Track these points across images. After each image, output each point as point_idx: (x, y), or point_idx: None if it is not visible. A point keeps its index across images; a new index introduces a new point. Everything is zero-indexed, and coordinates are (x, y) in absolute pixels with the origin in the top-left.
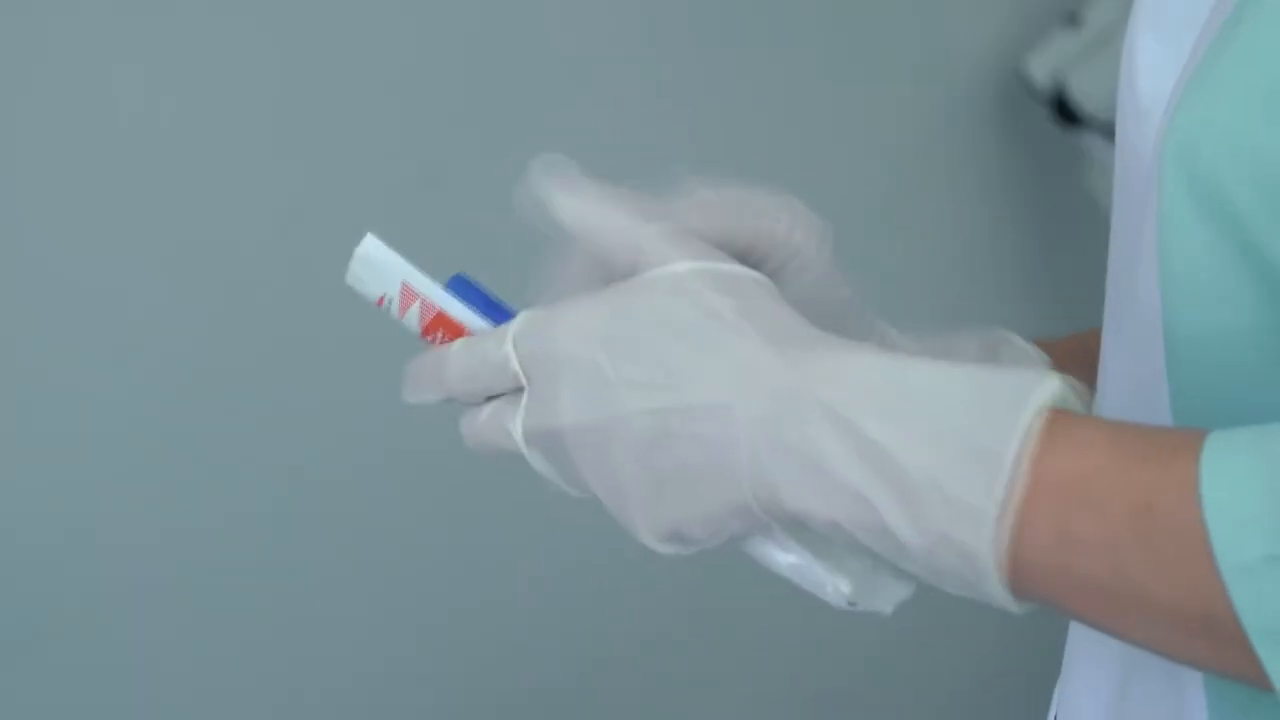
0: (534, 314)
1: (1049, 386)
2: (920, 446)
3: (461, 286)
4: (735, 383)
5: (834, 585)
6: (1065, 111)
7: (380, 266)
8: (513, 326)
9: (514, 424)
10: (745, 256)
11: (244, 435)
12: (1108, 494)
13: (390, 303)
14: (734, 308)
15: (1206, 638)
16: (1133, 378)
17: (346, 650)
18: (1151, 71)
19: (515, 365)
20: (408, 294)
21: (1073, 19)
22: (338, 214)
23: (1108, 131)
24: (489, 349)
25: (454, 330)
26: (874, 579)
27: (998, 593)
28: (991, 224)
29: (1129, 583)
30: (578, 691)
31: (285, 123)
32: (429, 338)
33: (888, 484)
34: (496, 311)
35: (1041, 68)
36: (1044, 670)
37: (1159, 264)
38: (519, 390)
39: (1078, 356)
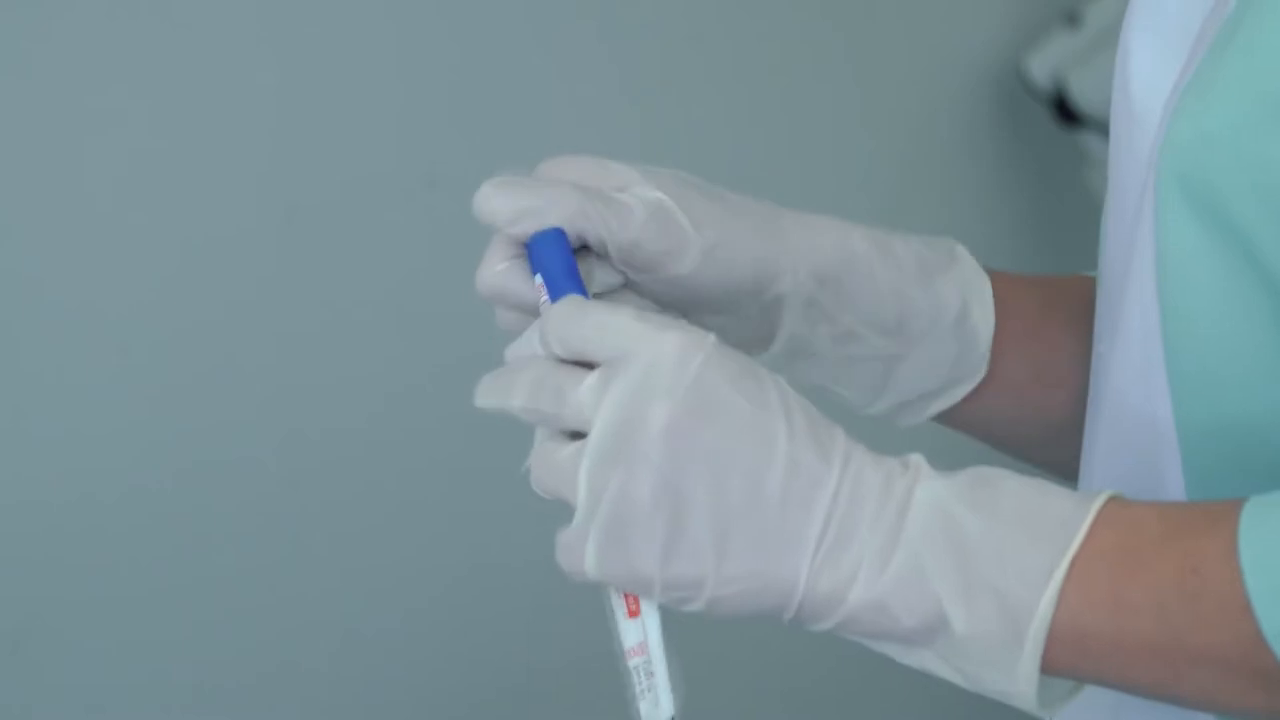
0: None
1: (1095, 506)
2: (958, 560)
3: (542, 247)
4: (785, 467)
5: (662, 697)
6: (1065, 111)
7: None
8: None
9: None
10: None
11: (244, 434)
12: (1157, 559)
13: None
14: (777, 396)
15: (1261, 690)
16: (1130, 389)
17: (347, 651)
18: (1146, 77)
19: (579, 411)
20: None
21: (1073, 19)
22: (338, 213)
23: (1107, 131)
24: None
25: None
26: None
27: (1025, 700)
28: (991, 224)
29: (1180, 642)
30: (577, 688)
31: (285, 122)
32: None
33: (923, 591)
34: (566, 284)
35: (1041, 68)
36: None
37: (1156, 273)
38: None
39: (1029, 297)
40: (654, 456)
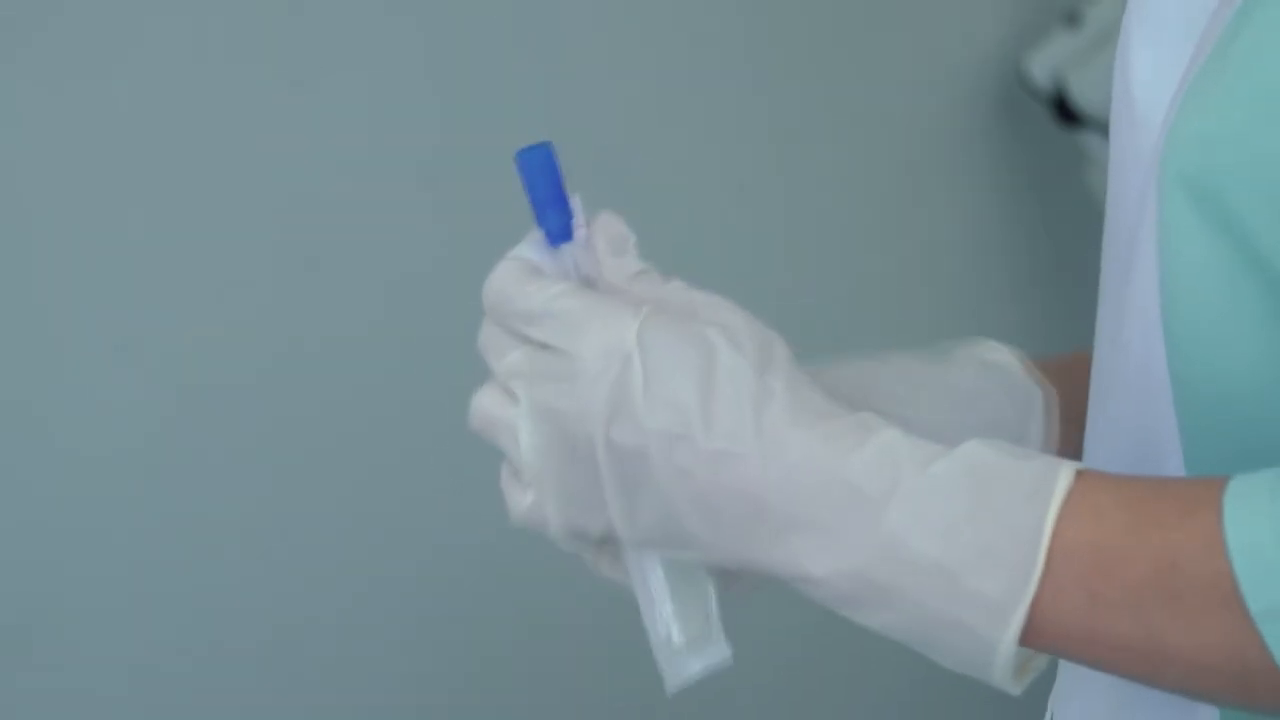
0: (574, 290)
1: (1067, 476)
2: (937, 534)
3: (531, 160)
4: (764, 440)
5: (669, 628)
6: (1065, 111)
7: None
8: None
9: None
10: None
11: (247, 434)
12: (1130, 556)
13: None
14: (766, 364)
15: (1242, 685)
16: (1132, 386)
17: (348, 651)
18: (1147, 79)
19: (542, 332)
20: None
21: (1073, 19)
22: (337, 215)
23: (1107, 131)
24: (528, 289)
25: None
26: (704, 639)
27: (1001, 680)
28: (992, 224)
29: (1159, 641)
30: (581, 688)
31: (286, 124)
32: None
33: (901, 564)
34: (552, 211)
35: (1041, 68)
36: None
37: (1160, 275)
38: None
39: (1064, 378)
40: (589, 457)
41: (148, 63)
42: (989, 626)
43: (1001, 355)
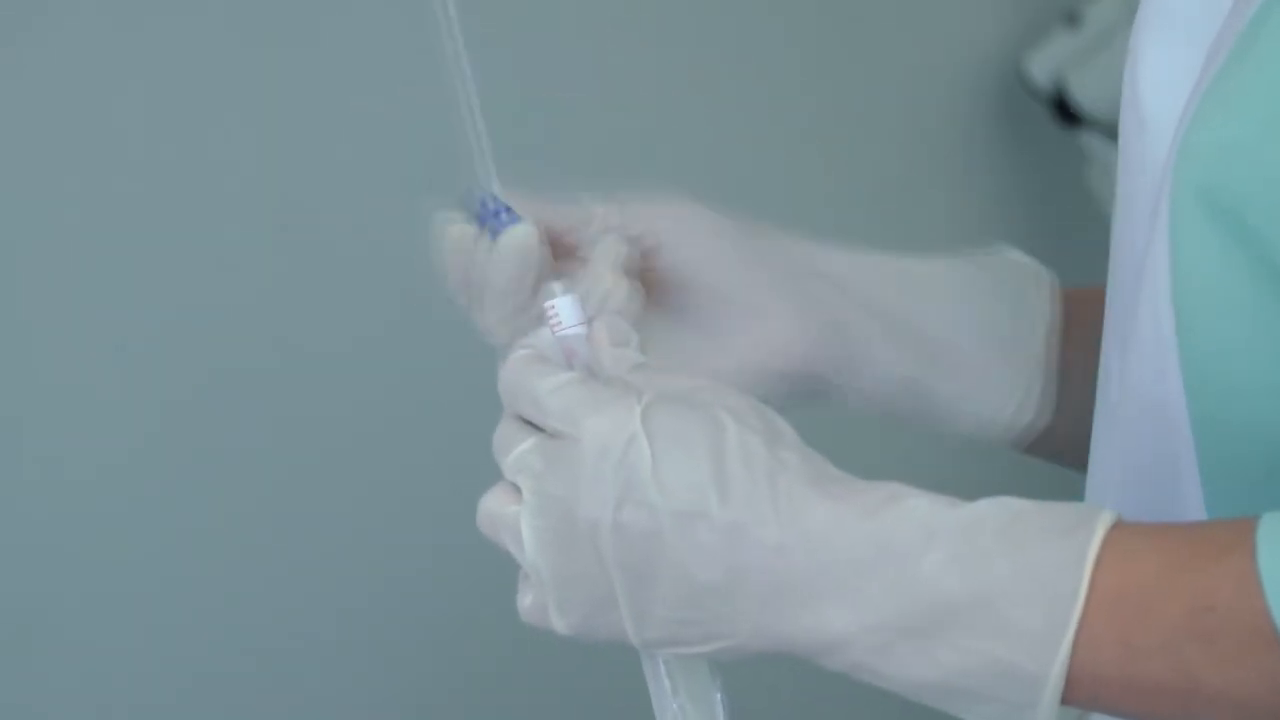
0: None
1: (1107, 516)
2: (974, 570)
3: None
4: (781, 507)
5: (683, 711)
6: (1065, 111)
7: None
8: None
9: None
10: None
11: (245, 432)
12: (1163, 599)
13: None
14: (776, 440)
15: None
16: (1144, 398)
17: (347, 651)
18: (1158, 84)
19: (550, 422)
20: None
21: (1073, 19)
22: (335, 218)
23: (1108, 131)
24: (538, 374)
25: None
26: None
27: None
28: (991, 224)
29: (1197, 683)
30: (575, 690)
31: (283, 128)
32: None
33: (936, 606)
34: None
35: (1041, 68)
36: None
37: (1172, 293)
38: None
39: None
40: (593, 545)
41: (144, 65)
42: (1033, 661)
43: (1012, 253)
